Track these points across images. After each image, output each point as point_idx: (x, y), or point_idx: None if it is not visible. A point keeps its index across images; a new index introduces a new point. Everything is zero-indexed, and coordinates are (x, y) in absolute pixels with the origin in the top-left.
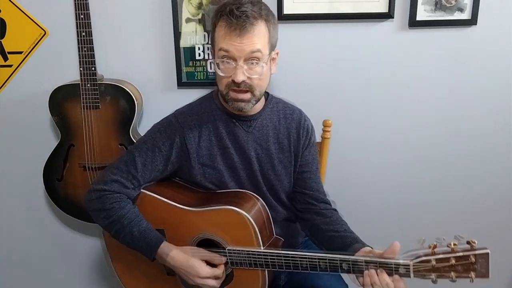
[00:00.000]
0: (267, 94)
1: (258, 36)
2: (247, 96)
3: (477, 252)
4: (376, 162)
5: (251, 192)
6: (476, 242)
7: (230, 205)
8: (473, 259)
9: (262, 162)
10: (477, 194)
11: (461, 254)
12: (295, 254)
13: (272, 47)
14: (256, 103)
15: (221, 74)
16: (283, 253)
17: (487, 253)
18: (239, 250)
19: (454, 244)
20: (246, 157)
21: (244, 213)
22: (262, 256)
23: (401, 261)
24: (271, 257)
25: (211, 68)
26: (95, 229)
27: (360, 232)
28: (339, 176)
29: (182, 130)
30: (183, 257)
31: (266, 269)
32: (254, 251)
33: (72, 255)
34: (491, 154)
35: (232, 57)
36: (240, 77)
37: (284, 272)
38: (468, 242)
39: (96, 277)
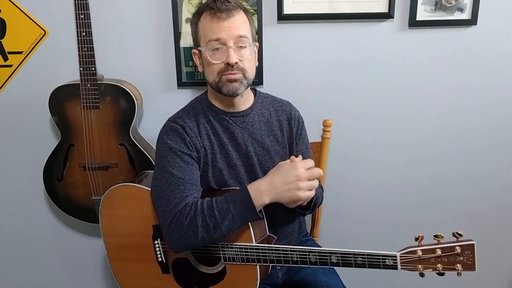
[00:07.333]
0: (254, 91)
1: (241, 22)
2: (240, 76)
3: (462, 243)
4: (376, 162)
5: None
6: (463, 234)
7: None
8: (458, 250)
9: (260, 155)
10: (477, 193)
11: (446, 245)
12: (285, 248)
13: (253, 38)
14: (247, 88)
15: (213, 61)
16: (274, 247)
17: (473, 244)
18: (231, 245)
19: (441, 236)
20: (244, 153)
21: None
22: (254, 250)
23: (388, 252)
24: (262, 251)
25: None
26: (95, 229)
27: (360, 231)
28: (339, 176)
29: (185, 130)
30: (272, 172)
31: (258, 264)
32: (246, 245)
33: (72, 255)
34: (491, 153)
35: (223, 42)
36: (233, 58)
37: (281, 270)
38: (454, 234)
39: (96, 277)
